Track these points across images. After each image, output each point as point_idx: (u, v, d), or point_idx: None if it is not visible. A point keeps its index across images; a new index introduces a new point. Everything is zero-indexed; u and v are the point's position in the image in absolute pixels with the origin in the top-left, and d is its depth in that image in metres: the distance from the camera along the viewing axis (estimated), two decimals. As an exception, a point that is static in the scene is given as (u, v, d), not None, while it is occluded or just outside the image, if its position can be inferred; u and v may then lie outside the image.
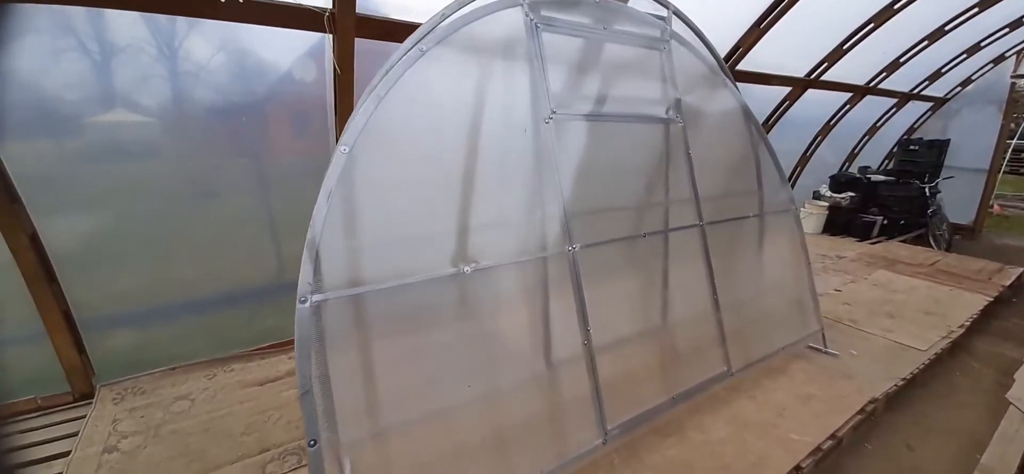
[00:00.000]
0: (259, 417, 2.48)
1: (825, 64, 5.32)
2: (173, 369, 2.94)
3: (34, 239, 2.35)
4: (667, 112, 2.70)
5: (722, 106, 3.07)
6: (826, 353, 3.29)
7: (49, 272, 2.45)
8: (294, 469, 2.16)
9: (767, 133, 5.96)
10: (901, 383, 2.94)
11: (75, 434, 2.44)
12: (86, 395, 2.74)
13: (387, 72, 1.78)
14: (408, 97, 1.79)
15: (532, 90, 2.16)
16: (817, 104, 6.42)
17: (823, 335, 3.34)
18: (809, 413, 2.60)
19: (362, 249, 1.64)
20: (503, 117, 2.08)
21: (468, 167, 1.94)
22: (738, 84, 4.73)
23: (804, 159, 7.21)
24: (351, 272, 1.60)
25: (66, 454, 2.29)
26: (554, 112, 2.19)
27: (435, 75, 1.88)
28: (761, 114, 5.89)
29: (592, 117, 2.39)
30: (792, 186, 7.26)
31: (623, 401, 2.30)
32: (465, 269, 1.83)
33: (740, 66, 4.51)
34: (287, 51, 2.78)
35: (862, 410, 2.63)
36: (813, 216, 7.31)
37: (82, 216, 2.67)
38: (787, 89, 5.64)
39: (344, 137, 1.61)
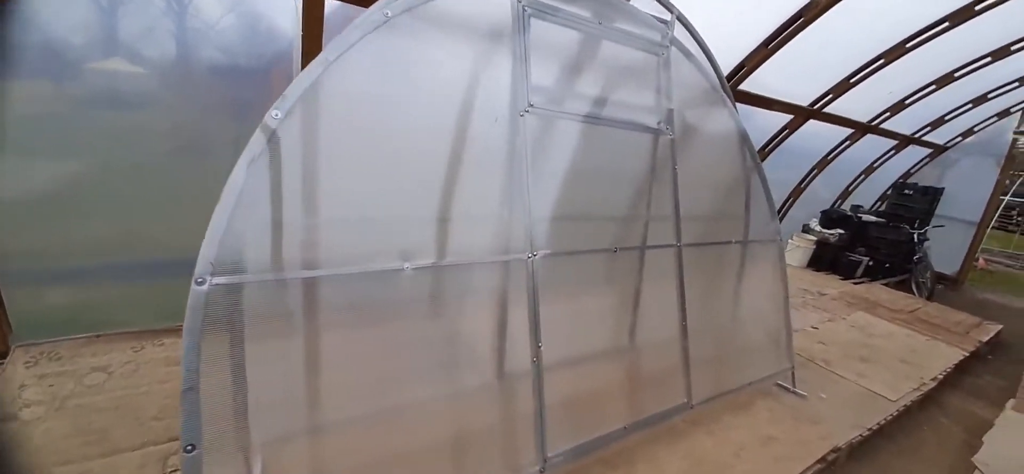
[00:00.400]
0: (176, 400, 2.28)
1: (830, 96, 5.18)
2: (98, 336, 2.72)
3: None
4: (658, 123, 2.53)
5: (717, 125, 2.91)
6: (794, 393, 3.17)
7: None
8: (205, 459, 1.96)
9: (763, 160, 5.86)
10: (867, 433, 2.82)
11: (-26, 393, 2.22)
12: (2, 354, 2.52)
13: (340, 36, 1.57)
14: (362, 66, 1.59)
15: (512, 79, 1.97)
16: (817, 136, 6.30)
17: (793, 374, 3.22)
18: (768, 456, 2.46)
19: (284, 230, 1.45)
20: (474, 103, 1.89)
21: (426, 154, 1.75)
22: (738, 104, 4.59)
23: (798, 190, 7.10)
24: (267, 255, 1.40)
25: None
26: (532, 105, 2.01)
27: (399, 46, 1.68)
28: (759, 139, 5.75)
29: (574, 117, 2.21)
30: (783, 217, 7.17)
31: (573, 425, 2.14)
32: (405, 266, 1.65)
33: (743, 86, 4.34)
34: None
35: (823, 459, 2.50)
36: (800, 249, 7.23)
37: (45, 160, 2.53)
38: (788, 117, 5.50)
39: (278, 103, 1.41)
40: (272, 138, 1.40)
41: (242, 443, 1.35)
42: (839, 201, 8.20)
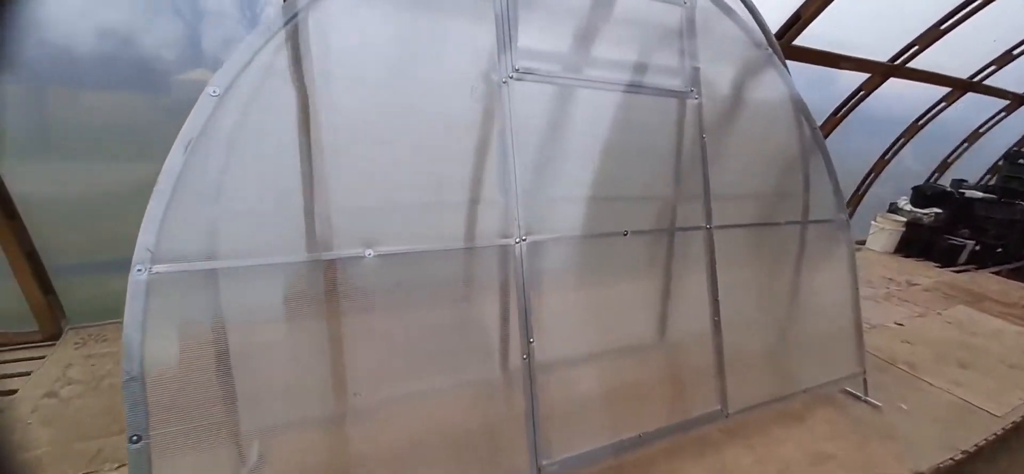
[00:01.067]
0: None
1: (915, 48, 4.37)
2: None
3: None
4: (681, 85, 2.18)
5: (762, 87, 2.48)
6: (866, 402, 2.66)
7: (8, 210, 2.43)
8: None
9: (834, 127, 5.11)
10: (961, 456, 2.27)
11: (30, 374, 2.44)
12: (54, 336, 2.77)
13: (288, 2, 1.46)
14: (315, 32, 1.47)
15: (497, 40, 1.75)
16: (902, 98, 5.40)
17: (865, 380, 2.70)
18: (822, 478, 2.05)
19: (229, 217, 1.36)
20: (447, 72, 1.71)
21: (391, 129, 1.60)
22: (792, 62, 4.01)
23: (881, 163, 6.15)
24: (210, 243, 1.32)
25: (15, 392, 2.29)
26: (517, 70, 1.78)
27: (357, 12, 1.54)
28: (824, 103, 5.01)
29: (573, 81, 1.95)
30: (862, 194, 6.24)
31: (575, 431, 1.90)
32: (367, 253, 1.51)
33: (798, 41, 3.75)
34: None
35: (897, 486, 2.04)
36: (885, 232, 6.27)
37: (123, 163, 2.81)
38: (862, 76, 4.73)
39: (216, 78, 1.32)
40: (211, 118, 1.31)
41: (190, 432, 1.29)
42: (936, 176, 7.03)
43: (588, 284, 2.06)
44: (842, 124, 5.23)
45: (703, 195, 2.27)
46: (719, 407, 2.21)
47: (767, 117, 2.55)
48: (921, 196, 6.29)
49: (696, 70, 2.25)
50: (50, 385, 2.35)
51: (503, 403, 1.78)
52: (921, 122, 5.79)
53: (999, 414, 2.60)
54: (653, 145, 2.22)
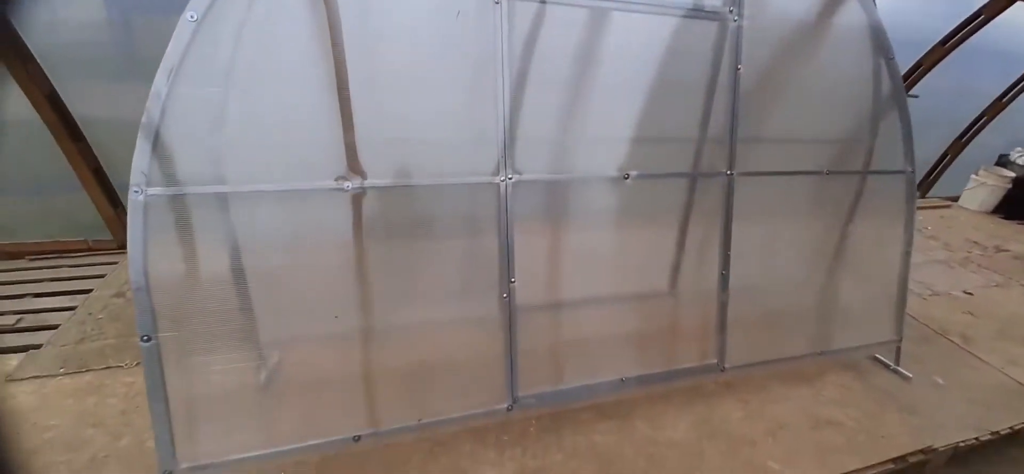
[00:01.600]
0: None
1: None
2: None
3: (52, 98, 2.61)
4: (718, 3, 1.91)
5: (824, 6, 2.10)
6: (895, 372, 2.45)
7: (73, 130, 2.74)
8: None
9: (941, 58, 4.30)
10: (990, 437, 2.06)
11: (104, 276, 2.88)
12: (125, 244, 3.21)
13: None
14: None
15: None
16: (1034, 24, 4.38)
17: (898, 348, 2.47)
18: (814, 443, 1.96)
19: (214, 144, 1.44)
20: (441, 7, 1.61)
21: (373, 60, 1.56)
22: None
23: (997, 107, 5.16)
24: (199, 168, 1.42)
25: (90, 291, 2.73)
26: (508, -8, 1.64)
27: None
28: (923, 31, 4.20)
29: (577, 2, 1.76)
30: (967, 141, 5.32)
31: (556, 370, 1.95)
32: (346, 185, 1.55)
33: (889, -49, 3.07)
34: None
35: (900, 458, 1.91)
36: (984, 187, 5.41)
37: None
38: (980, -3, 3.86)
39: (192, 3, 1.35)
40: (190, 44, 1.35)
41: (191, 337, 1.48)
42: (1067, 123, 5.78)
43: (581, 228, 1.99)
44: (953, 55, 4.37)
45: (728, 138, 2.05)
46: (715, 361, 2.14)
47: (830, 45, 2.18)
48: (1041, 147, 5.26)
49: (739, -14, 1.94)
50: (119, 287, 2.77)
51: (487, 338, 1.84)
52: (1058, 54, 4.70)
53: (1057, 401, 2.29)
54: (680, 77, 1.99)
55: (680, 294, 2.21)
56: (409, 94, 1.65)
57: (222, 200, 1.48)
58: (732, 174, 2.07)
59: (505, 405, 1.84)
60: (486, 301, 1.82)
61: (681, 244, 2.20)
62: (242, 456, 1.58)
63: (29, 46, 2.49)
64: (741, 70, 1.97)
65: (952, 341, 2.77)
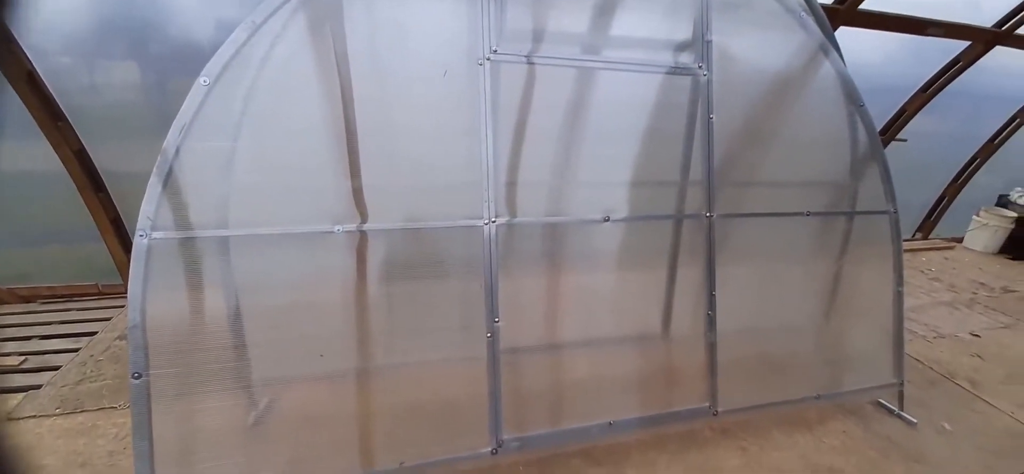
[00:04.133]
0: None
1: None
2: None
3: (81, 154, 2.81)
4: (689, 61, 2.06)
5: (792, 59, 2.24)
6: (899, 417, 2.37)
7: (97, 182, 2.93)
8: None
9: (924, 104, 4.43)
10: (1005, 490, 1.97)
11: (110, 319, 2.97)
12: (136, 288, 3.32)
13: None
14: (294, 26, 1.60)
15: (471, 19, 1.78)
16: (1017, 70, 4.52)
17: (901, 392, 2.40)
18: (819, 492, 1.89)
19: (219, 192, 1.55)
20: (426, 55, 1.76)
21: (368, 115, 1.70)
22: (866, 30, 3.57)
23: (988, 148, 5.23)
24: (201, 215, 1.53)
25: (95, 333, 2.81)
26: (496, 51, 1.79)
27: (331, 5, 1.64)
28: (910, 75, 4.35)
29: (559, 62, 1.90)
30: (963, 182, 5.35)
31: (543, 413, 1.94)
32: (336, 229, 1.64)
33: (868, 4, 3.28)
34: None
35: (908, 512, 1.82)
36: (987, 229, 5.37)
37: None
38: (961, 44, 4.03)
39: (207, 68, 1.50)
40: (202, 104, 1.49)
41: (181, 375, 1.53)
42: (1066, 164, 5.81)
43: (567, 270, 2.04)
44: (939, 100, 4.50)
45: (705, 181, 2.13)
46: (707, 404, 2.10)
47: (801, 95, 2.31)
48: (1041, 188, 5.25)
49: (708, 44, 2.09)
50: (123, 329, 2.83)
51: (471, 380, 1.85)
52: (1043, 98, 4.81)
53: (1072, 449, 2.18)
54: (651, 127, 2.11)
55: (672, 336, 2.22)
56: (404, 145, 1.77)
57: (222, 243, 1.57)
58: (712, 216, 2.13)
59: (489, 448, 1.82)
60: (474, 343, 1.85)
61: (671, 286, 2.23)
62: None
63: (61, 106, 2.72)
64: (714, 119, 2.08)
65: (959, 385, 2.68)
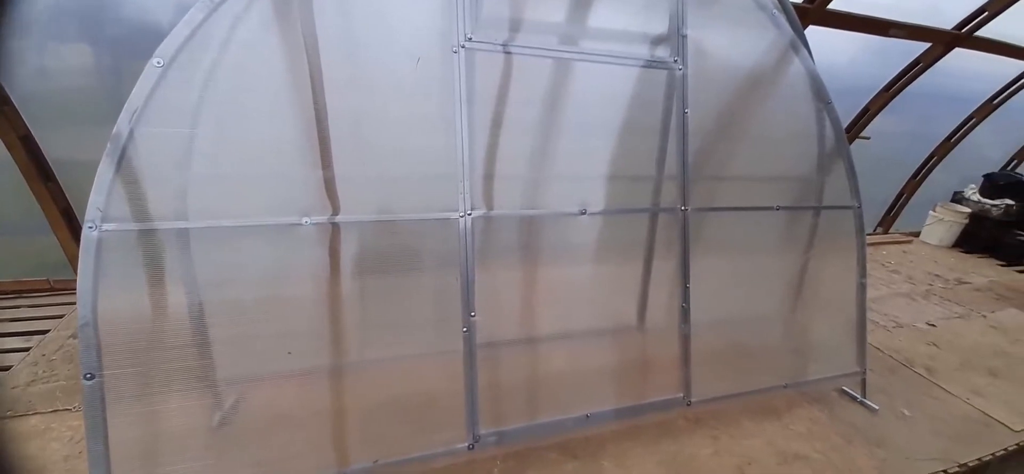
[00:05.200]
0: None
1: (984, 14, 3.80)
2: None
3: (26, 140, 2.63)
4: (664, 54, 2.06)
5: (763, 56, 2.27)
6: (861, 404, 2.47)
7: (45, 171, 2.75)
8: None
9: (886, 103, 4.60)
10: (958, 469, 2.07)
11: (63, 316, 2.81)
12: (93, 284, 3.14)
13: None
14: (258, 6, 1.52)
15: (443, 5, 1.73)
16: (973, 74, 4.74)
17: (864, 380, 2.50)
18: (786, 478, 1.95)
19: (177, 182, 1.47)
20: (400, 40, 1.70)
21: (338, 102, 1.63)
22: (834, 30, 3.67)
23: (945, 146, 5.49)
24: (153, 204, 1.44)
25: (47, 332, 2.65)
26: (471, 39, 1.75)
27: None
28: (874, 76, 4.51)
29: (535, 51, 1.88)
30: (921, 179, 5.61)
31: (519, 406, 1.93)
32: (304, 221, 1.58)
33: (837, 4, 3.37)
34: None
35: (869, 494, 1.90)
36: (943, 223, 5.65)
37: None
38: (921, 45, 4.20)
39: (160, 49, 1.41)
40: (156, 87, 1.41)
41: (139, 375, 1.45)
42: (1015, 163, 6.18)
43: (544, 263, 2.04)
44: (900, 100, 4.68)
45: (680, 175, 2.15)
46: (681, 395, 2.14)
47: (772, 91, 2.36)
48: (993, 185, 5.55)
49: (684, 38, 2.10)
50: (76, 328, 2.68)
51: (447, 375, 1.83)
52: (996, 101, 5.07)
53: (1017, 428, 2.32)
54: (626, 119, 2.11)
55: (647, 328, 2.24)
56: (376, 134, 1.71)
57: (181, 236, 1.49)
58: (686, 209, 2.15)
59: (466, 443, 1.80)
60: (450, 337, 1.82)
61: (647, 279, 2.25)
62: (187, 501, 1.51)
63: (7, 90, 2.53)
64: (688, 113, 2.10)
65: (917, 372, 2.82)
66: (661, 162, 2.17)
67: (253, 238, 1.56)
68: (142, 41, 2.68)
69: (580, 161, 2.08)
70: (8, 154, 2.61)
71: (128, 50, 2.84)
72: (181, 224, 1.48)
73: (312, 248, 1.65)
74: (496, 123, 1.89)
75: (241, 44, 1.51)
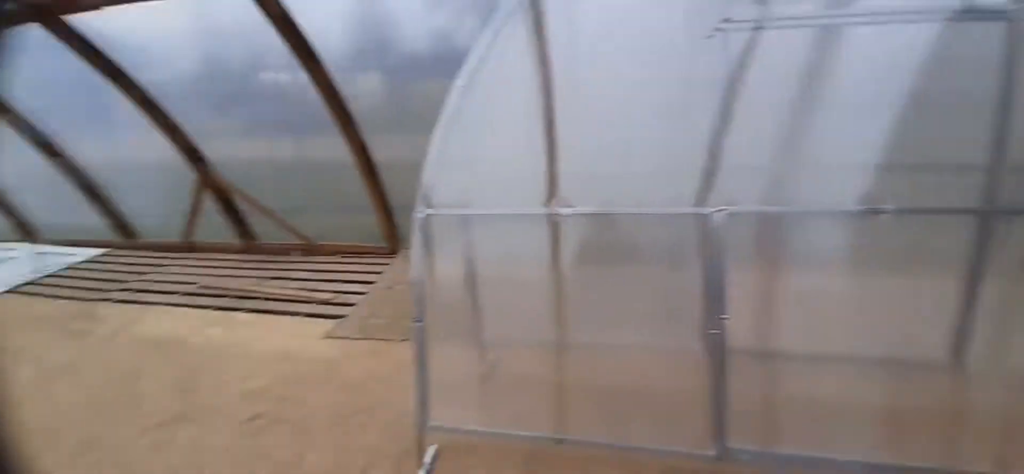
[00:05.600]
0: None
1: None
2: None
3: (363, 149, 3.77)
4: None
5: None
6: None
7: (370, 170, 3.89)
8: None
9: None
10: None
11: (381, 273, 3.95)
12: (395, 252, 4.30)
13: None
14: (515, 29, 1.77)
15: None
16: None
17: None
18: None
19: (471, 178, 1.86)
20: (650, 34, 1.73)
21: (589, 103, 1.78)
22: None
23: None
24: (466, 195, 1.86)
25: (372, 282, 3.79)
26: (728, 21, 1.62)
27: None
28: None
29: (801, 22, 1.60)
30: None
31: (777, 427, 1.73)
32: (561, 210, 1.77)
33: None
34: None
35: None
36: None
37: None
38: None
39: (462, 73, 1.80)
40: (459, 104, 1.80)
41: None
42: None
43: (817, 269, 1.74)
44: None
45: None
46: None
47: None
48: None
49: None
50: (391, 282, 3.74)
51: (690, 374, 1.77)
52: None
53: None
54: (947, 92, 1.60)
55: (968, 368, 1.67)
56: (617, 128, 1.79)
57: (466, 220, 1.89)
58: (991, 210, 1.49)
59: (712, 452, 1.71)
60: (692, 336, 1.77)
61: (970, 303, 1.68)
62: (470, 429, 1.93)
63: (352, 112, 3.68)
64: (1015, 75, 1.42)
65: None
66: (1000, 147, 1.56)
67: (517, 224, 1.85)
68: (412, 68, 3.46)
69: (863, 148, 1.69)
70: (354, 158, 3.80)
71: (403, 75, 3.70)
72: (465, 210, 1.87)
73: (560, 236, 1.85)
74: (755, 108, 1.71)
75: (518, 60, 1.79)
